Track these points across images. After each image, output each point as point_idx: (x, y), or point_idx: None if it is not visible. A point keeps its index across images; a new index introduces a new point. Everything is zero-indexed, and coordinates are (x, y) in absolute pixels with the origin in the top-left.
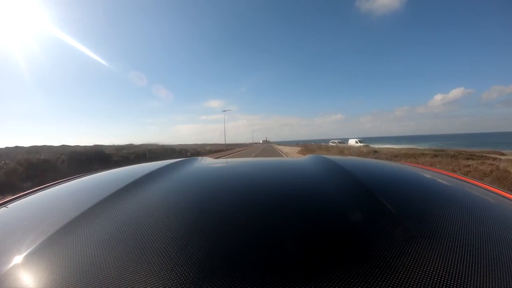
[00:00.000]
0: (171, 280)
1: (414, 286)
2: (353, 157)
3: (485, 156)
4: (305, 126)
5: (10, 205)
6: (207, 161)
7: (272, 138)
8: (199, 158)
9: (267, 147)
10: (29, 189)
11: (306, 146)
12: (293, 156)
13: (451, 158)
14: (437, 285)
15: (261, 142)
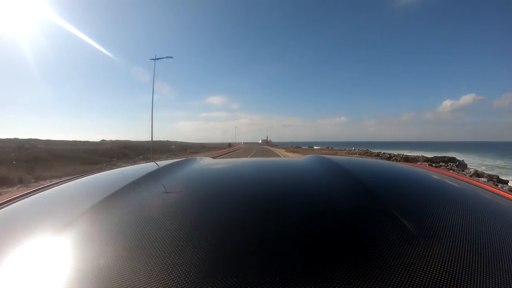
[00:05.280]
0: (171, 280)
1: (414, 286)
2: (353, 157)
3: None
4: (307, 128)
5: (11, 205)
6: (207, 161)
7: (273, 138)
8: (199, 158)
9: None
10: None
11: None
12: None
13: None
14: (437, 285)
15: (260, 142)
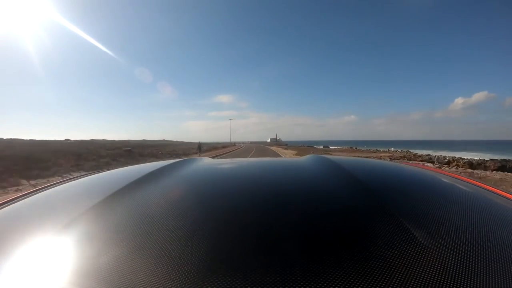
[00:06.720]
0: (171, 280)
1: (414, 286)
2: (353, 157)
3: None
4: (318, 127)
5: (11, 206)
6: (207, 161)
7: (282, 137)
8: (199, 158)
9: None
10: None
11: None
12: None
13: None
14: (437, 285)
15: (268, 141)
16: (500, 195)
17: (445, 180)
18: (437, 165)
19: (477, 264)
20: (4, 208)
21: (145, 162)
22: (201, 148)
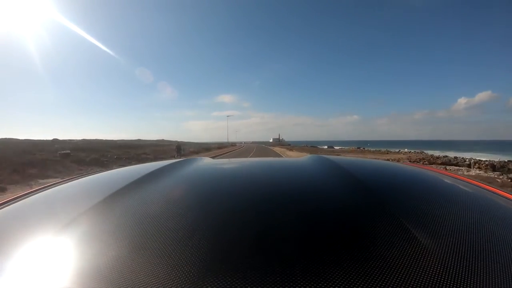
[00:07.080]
0: (171, 280)
1: (415, 286)
2: (353, 157)
3: None
4: (319, 127)
5: (11, 206)
6: (208, 161)
7: (284, 137)
8: (200, 158)
9: None
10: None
11: None
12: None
13: None
14: (438, 285)
15: (271, 141)
16: (500, 195)
17: (445, 180)
18: (475, 171)
19: (477, 264)
20: (4, 208)
21: (76, 174)
22: (180, 151)
